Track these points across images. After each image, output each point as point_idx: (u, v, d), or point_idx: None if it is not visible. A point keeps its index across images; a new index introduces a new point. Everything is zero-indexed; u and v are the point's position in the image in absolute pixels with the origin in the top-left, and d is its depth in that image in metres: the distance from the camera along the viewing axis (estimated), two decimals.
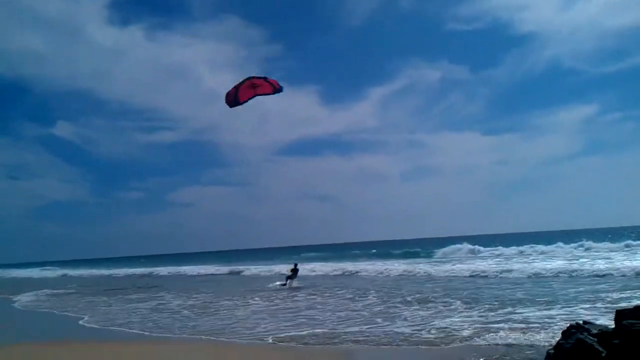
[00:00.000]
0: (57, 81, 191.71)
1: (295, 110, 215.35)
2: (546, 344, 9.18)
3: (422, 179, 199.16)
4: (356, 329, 12.46)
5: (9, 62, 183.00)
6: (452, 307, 14.87)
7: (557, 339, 8.05)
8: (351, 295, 19.95)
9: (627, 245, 37.21)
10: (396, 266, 32.91)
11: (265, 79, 11.57)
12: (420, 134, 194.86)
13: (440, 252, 49.44)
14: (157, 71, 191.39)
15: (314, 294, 21.44)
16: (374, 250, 67.02)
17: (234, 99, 11.48)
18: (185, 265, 60.05)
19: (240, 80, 11.38)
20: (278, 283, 27.22)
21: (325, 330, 12.46)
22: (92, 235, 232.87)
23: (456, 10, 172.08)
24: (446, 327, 11.73)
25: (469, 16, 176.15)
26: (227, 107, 11.64)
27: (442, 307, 14.92)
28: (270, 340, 11.78)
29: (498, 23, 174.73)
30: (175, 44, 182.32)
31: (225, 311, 17.48)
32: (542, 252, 39.22)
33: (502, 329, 11.13)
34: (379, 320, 13.52)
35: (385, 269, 31.48)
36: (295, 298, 20.63)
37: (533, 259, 33.08)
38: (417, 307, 15.30)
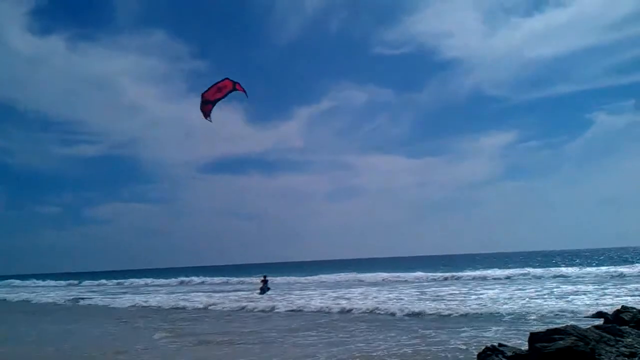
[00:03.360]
0: None
1: (220, 127, 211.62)
2: None
3: (348, 199, 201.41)
4: None
5: None
6: None
7: None
8: None
9: (508, 277, 33.94)
10: None
11: (229, 80, 12.55)
12: (346, 155, 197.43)
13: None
14: (78, 82, 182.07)
15: None
16: None
17: (204, 103, 12.47)
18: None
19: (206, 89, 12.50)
20: (256, 293, 29.71)
21: None
22: (5, 250, 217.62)
23: (383, 35, 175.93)
24: None
25: (396, 41, 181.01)
26: (204, 119, 12.62)
27: None
28: None
29: (424, 48, 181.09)
30: (97, 55, 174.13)
31: None
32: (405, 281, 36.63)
33: None
34: None
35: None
36: None
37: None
38: None
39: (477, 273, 38.16)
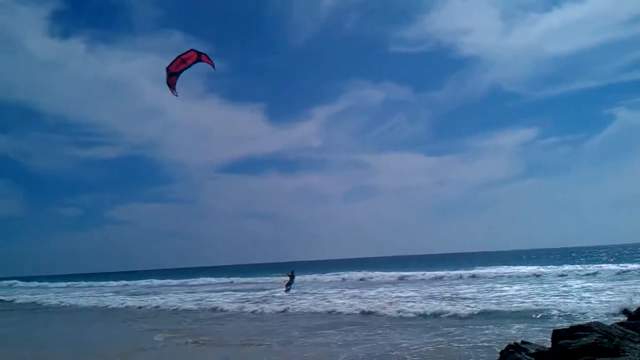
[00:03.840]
0: None
1: (238, 127, 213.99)
2: None
3: (365, 198, 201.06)
4: None
5: None
6: None
7: (496, 359, 8.10)
8: None
9: (529, 275, 33.18)
10: None
11: (194, 51, 12.47)
12: (363, 154, 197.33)
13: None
14: (97, 85, 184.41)
15: None
16: None
17: (169, 76, 12.40)
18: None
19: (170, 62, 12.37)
20: (280, 291, 30.28)
21: None
22: (26, 252, 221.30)
23: (400, 34, 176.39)
24: None
25: (412, 39, 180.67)
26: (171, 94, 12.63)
27: None
28: None
29: (441, 46, 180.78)
30: (116, 57, 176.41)
31: None
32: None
33: None
34: None
35: None
36: None
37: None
38: None
39: (498, 270, 37.70)
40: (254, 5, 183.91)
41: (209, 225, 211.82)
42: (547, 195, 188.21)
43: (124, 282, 61.18)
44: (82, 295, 39.36)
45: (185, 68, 12.53)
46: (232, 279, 51.72)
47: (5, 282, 72.61)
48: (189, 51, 12.51)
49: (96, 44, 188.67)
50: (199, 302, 26.81)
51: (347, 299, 23.06)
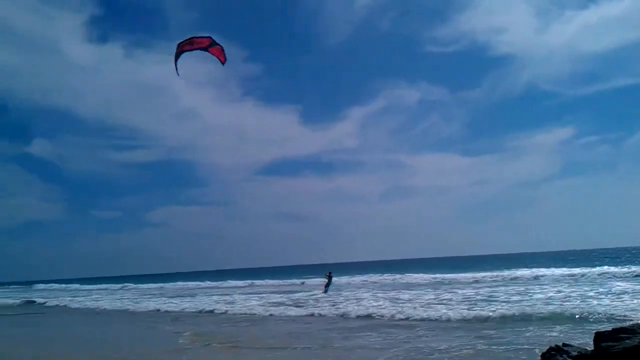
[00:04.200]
0: (33, 98, 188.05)
1: (274, 130, 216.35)
2: None
3: (401, 199, 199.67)
4: None
5: None
6: None
7: None
8: None
9: (570, 276, 32.44)
10: None
11: (209, 38, 12.64)
12: (400, 155, 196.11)
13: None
14: (134, 89, 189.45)
15: None
16: None
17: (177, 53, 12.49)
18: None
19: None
20: (319, 292, 30.47)
21: None
22: (67, 254, 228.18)
23: (435, 33, 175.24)
24: None
25: (447, 38, 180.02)
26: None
27: None
28: None
29: (476, 45, 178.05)
30: (152, 61, 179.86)
31: None
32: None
33: None
34: None
35: None
36: None
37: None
38: None
39: (536, 272, 36.87)
40: (288, 7, 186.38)
41: (244, 227, 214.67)
42: (586, 195, 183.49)
43: (161, 284, 62.44)
44: (120, 298, 40.38)
45: (188, 50, 12.59)
46: (268, 280, 52.25)
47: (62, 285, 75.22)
48: (205, 37, 12.71)
49: (133, 48, 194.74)
50: (231, 304, 27.10)
51: (384, 301, 23.03)
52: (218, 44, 12.75)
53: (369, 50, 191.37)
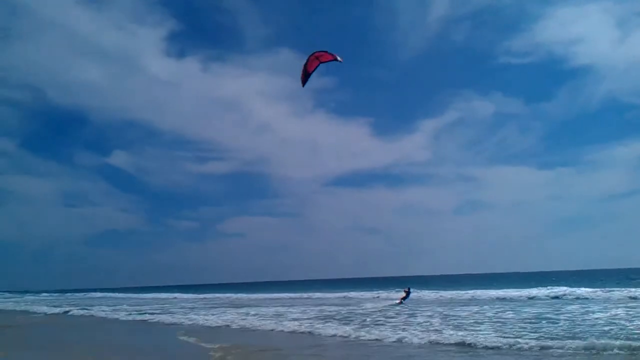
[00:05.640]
0: (114, 111, 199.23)
1: (346, 142, 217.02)
2: None
3: (474, 212, 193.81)
4: None
5: (68, 92, 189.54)
6: None
7: None
8: None
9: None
10: None
11: (325, 51, 14.22)
12: (472, 168, 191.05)
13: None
14: (211, 102, 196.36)
15: None
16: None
17: (305, 74, 14.34)
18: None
19: (306, 60, 14.26)
20: (395, 302, 32.58)
21: None
22: (146, 264, 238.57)
23: (509, 44, 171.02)
24: None
25: (522, 50, 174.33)
26: (301, 84, 14.75)
27: None
28: None
29: (552, 57, 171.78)
30: (228, 75, 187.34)
31: None
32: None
33: None
34: None
35: None
36: None
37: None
38: None
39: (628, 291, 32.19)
40: (361, 20, 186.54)
41: (315, 238, 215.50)
42: None
43: (232, 294, 63.15)
44: (194, 309, 40.58)
45: (317, 66, 14.30)
46: (341, 293, 51.40)
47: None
48: (322, 51, 14.19)
49: (210, 63, 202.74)
50: (299, 323, 22.92)
51: (452, 321, 21.28)
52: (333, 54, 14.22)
53: (442, 62, 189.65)
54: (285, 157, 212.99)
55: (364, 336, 17.74)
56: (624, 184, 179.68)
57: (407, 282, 38.60)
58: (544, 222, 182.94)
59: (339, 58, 14.10)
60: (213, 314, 30.99)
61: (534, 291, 36.15)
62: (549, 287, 37.52)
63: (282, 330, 21.08)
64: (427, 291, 42.60)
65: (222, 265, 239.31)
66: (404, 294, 33.32)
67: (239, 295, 61.46)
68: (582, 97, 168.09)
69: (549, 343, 14.03)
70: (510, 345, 14.12)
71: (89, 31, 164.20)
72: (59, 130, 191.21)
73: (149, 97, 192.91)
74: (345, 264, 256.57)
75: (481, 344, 14.73)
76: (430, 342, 15.78)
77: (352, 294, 49.58)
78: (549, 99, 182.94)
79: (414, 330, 18.61)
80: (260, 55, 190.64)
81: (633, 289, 32.39)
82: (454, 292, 40.35)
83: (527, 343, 14.14)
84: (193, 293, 71.30)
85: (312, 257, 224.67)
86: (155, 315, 32.75)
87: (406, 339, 16.34)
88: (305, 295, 52.16)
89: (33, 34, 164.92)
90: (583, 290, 33.89)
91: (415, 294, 36.74)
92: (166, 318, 29.60)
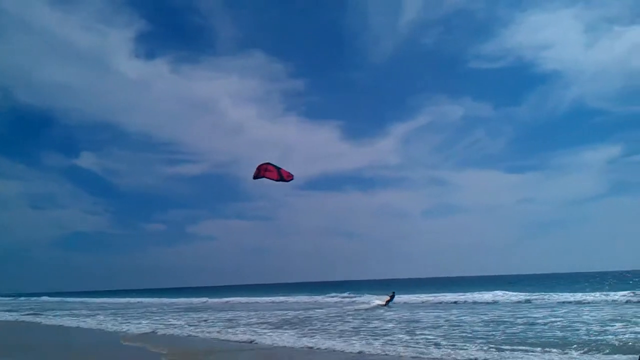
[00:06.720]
0: (83, 112, 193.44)
1: (317, 145, 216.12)
2: None
3: (445, 215, 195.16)
4: None
5: (36, 93, 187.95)
6: None
7: None
8: None
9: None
10: None
11: (278, 168, 15.22)
12: (443, 171, 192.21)
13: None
14: (181, 104, 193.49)
15: None
16: None
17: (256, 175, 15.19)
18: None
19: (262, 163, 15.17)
20: (376, 302, 34.79)
21: None
22: (115, 266, 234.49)
23: (479, 49, 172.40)
24: None
25: (492, 54, 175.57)
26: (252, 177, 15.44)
27: None
28: None
29: (522, 62, 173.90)
30: (199, 77, 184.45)
31: None
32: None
33: None
34: None
35: None
36: None
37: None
38: None
39: (588, 295, 33.03)
40: (332, 23, 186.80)
41: (288, 242, 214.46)
42: (636, 215, 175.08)
43: (206, 298, 61.80)
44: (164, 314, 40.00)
45: (262, 177, 15.19)
46: (310, 297, 51.21)
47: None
48: (274, 166, 15.09)
49: (180, 64, 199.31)
50: (244, 330, 22.15)
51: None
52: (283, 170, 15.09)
53: (413, 67, 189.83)
54: (257, 160, 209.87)
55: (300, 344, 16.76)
56: (593, 188, 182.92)
57: (381, 285, 38.90)
58: (513, 225, 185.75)
59: (286, 179, 15.02)
60: (150, 321, 29.82)
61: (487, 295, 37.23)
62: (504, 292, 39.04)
63: (227, 340, 19.08)
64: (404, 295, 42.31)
65: (193, 269, 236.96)
66: (388, 298, 34.64)
67: (203, 299, 60.73)
68: (551, 102, 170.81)
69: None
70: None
71: (57, 31, 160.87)
72: (26, 132, 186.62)
73: (118, 98, 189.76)
74: (318, 267, 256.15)
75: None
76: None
77: (319, 298, 49.42)
78: (518, 103, 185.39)
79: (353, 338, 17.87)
80: (232, 57, 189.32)
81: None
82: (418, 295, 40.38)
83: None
84: (159, 297, 70.23)
85: (284, 260, 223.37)
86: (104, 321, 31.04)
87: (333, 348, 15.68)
88: (268, 299, 51.30)
89: (0, 34, 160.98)
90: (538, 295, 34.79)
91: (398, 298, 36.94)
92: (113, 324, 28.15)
